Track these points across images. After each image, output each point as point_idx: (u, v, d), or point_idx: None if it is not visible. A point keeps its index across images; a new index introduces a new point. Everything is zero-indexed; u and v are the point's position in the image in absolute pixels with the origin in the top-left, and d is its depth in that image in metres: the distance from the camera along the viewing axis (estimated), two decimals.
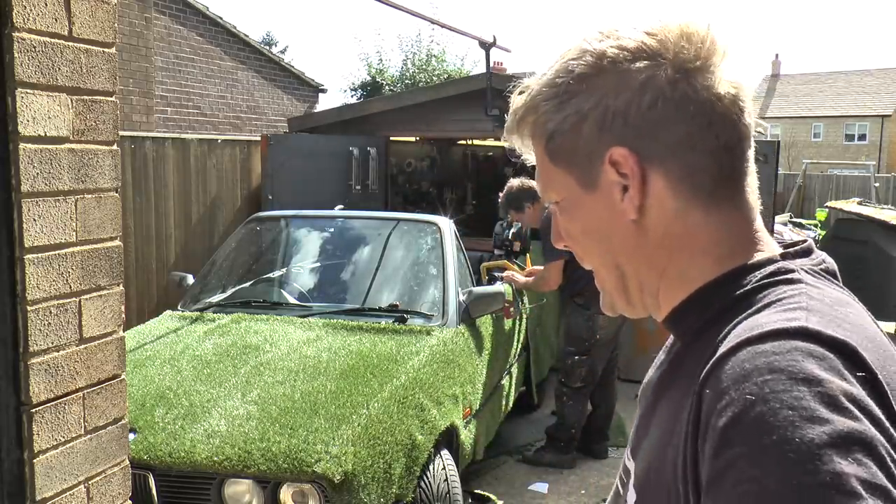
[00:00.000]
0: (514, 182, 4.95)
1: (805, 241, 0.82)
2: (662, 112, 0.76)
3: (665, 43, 0.77)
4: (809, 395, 0.59)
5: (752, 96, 0.80)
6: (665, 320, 0.84)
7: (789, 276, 0.75)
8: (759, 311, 0.72)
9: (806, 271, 0.76)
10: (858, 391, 0.61)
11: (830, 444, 0.57)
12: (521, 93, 0.85)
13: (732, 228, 0.79)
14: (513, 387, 5.04)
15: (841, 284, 0.79)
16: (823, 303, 0.70)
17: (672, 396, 0.77)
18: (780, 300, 0.72)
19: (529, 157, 0.87)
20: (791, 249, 0.80)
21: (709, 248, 0.79)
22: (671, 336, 0.88)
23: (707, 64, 0.77)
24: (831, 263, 0.80)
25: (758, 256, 0.78)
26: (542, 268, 4.86)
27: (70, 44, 1.69)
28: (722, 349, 0.68)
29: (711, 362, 0.68)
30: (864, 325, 0.71)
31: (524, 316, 5.16)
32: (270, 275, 4.78)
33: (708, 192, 0.78)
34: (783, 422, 0.59)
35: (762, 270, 0.76)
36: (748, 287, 0.75)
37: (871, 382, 0.63)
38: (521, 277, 4.90)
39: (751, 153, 0.80)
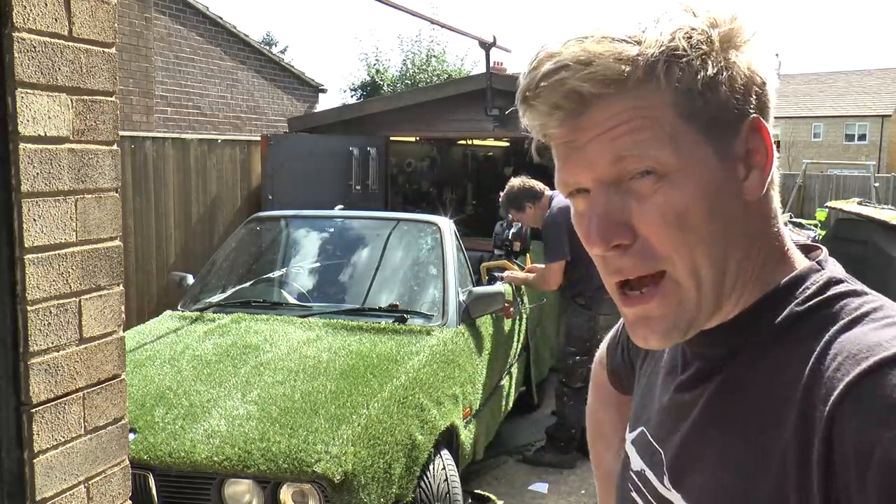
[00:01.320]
0: (515, 182, 4.95)
1: (820, 249, 0.80)
2: (772, 97, 0.75)
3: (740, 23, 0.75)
4: None
5: None
6: (713, 330, 0.76)
7: (849, 286, 0.73)
8: (848, 326, 0.68)
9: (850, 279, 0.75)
10: None
11: None
12: (610, 39, 0.69)
13: (781, 226, 0.77)
14: (513, 387, 5.04)
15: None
16: None
17: (735, 434, 0.71)
18: (866, 314, 0.68)
19: (554, 120, 0.72)
20: (822, 257, 0.78)
21: (777, 246, 0.76)
22: (681, 348, 0.81)
23: (763, 48, 0.76)
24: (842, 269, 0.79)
25: (798, 262, 0.76)
26: (541, 266, 4.86)
27: (70, 44, 1.69)
28: (848, 375, 0.63)
29: (841, 388, 0.62)
30: None
31: (524, 316, 5.16)
32: (270, 275, 4.78)
33: (774, 183, 0.76)
34: None
35: (813, 280, 0.74)
36: (817, 299, 0.72)
37: None
38: (521, 274, 4.90)
39: None
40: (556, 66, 0.69)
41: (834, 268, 0.76)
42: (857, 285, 0.73)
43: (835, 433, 0.61)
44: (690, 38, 0.69)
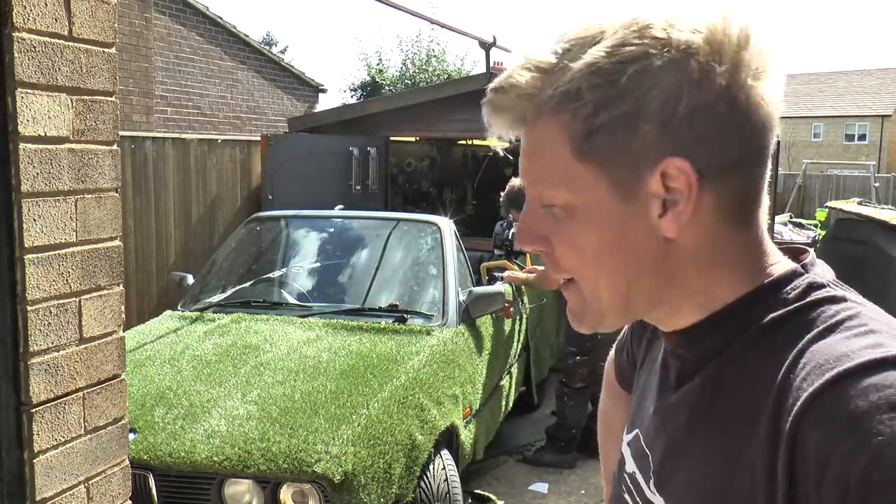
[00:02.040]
0: (516, 181, 4.95)
1: (806, 250, 0.79)
2: (730, 125, 0.69)
3: (743, 46, 0.69)
4: None
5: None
6: (678, 334, 0.78)
7: (829, 291, 0.72)
8: (821, 335, 0.68)
9: (834, 284, 0.74)
10: None
11: None
12: (529, 69, 0.71)
13: (756, 244, 0.75)
14: (513, 387, 5.04)
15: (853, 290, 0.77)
16: (881, 322, 0.68)
17: (719, 428, 0.72)
18: (840, 322, 0.68)
19: (501, 137, 0.76)
20: (807, 261, 0.76)
21: (737, 265, 0.75)
22: (664, 349, 0.83)
23: (764, 76, 0.70)
24: (832, 271, 0.78)
25: (779, 269, 0.75)
26: (542, 268, 4.86)
27: (70, 44, 1.69)
28: (813, 385, 0.63)
29: (804, 398, 0.63)
30: None
31: (524, 316, 5.16)
32: (270, 275, 4.78)
33: (747, 213, 0.74)
34: None
35: (794, 285, 0.73)
36: (793, 306, 0.71)
37: None
38: (521, 274, 4.91)
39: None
40: (493, 86, 0.73)
41: (820, 271, 0.75)
42: (838, 290, 0.72)
43: (798, 444, 0.62)
44: (590, 78, 0.68)
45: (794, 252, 0.80)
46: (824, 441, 0.60)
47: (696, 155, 0.69)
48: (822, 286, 0.73)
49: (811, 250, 0.80)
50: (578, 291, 0.77)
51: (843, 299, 0.71)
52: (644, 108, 0.68)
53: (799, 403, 0.63)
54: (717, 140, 0.69)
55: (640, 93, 0.68)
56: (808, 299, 0.72)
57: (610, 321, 0.78)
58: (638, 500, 0.83)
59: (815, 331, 0.68)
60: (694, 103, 0.68)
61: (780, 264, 0.76)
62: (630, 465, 0.87)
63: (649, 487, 0.80)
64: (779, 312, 0.72)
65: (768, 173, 0.76)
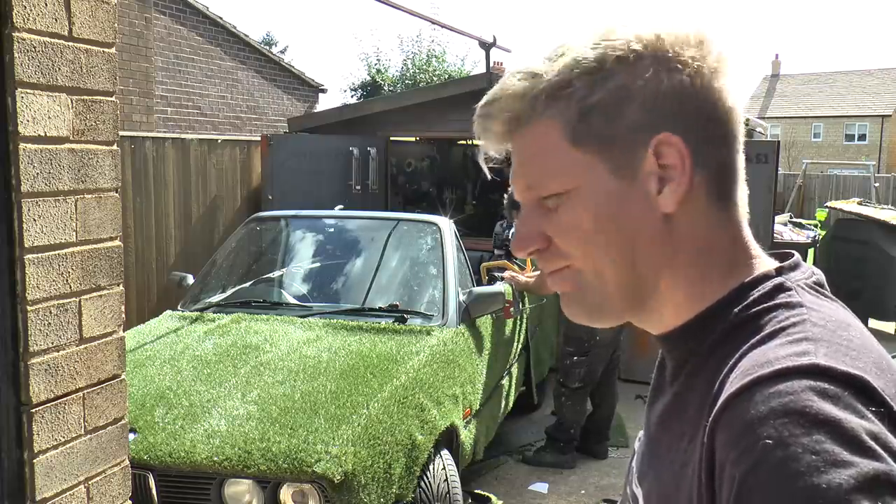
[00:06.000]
0: None
1: (792, 254, 0.80)
2: (711, 105, 0.75)
3: (703, 43, 0.75)
4: (830, 437, 0.58)
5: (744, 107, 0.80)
6: (667, 335, 0.80)
7: (789, 297, 0.73)
8: (762, 341, 0.70)
9: (802, 288, 0.75)
10: (878, 428, 0.60)
11: (857, 489, 0.56)
12: (519, 73, 0.78)
13: (736, 238, 0.78)
14: (513, 387, 5.04)
15: (832, 296, 0.77)
16: (826, 328, 0.69)
17: (679, 428, 0.75)
18: (783, 329, 0.70)
19: (494, 148, 0.82)
20: (785, 263, 0.78)
21: (721, 256, 0.77)
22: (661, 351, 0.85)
23: (726, 72, 0.76)
24: (820, 276, 0.79)
25: (755, 271, 0.77)
26: (538, 272, 4.87)
27: (70, 44, 1.69)
28: (731, 388, 0.66)
29: (721, 402, 0.66)
30: (868, 348, 0.69)
31: (524, 316, 5.16)
32: (270, 275, 4.78)
33: (728, 196, 0.77)
34: (807, 467, 0.57)
35: (761, 289, 0.75)
36: (751, 311, 0.73)
37: (889, 416, 0.61)
38: (522, 278, 4.91)
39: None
40: (484, 101, 0.80)
41: (794, 274, 0.76)
42: (797, 297, 0.73)
43: (715, 445, 0.65)
44: (577, 67, 0.74)
45: (780, 254, 0.81)
46: (726, 445, 0.63)
47: (685, 131, 0.74)
48: (786, 289, 0.74)
49: (797, 253, 0.81)
50: (573, 276, 0.79)
51: (797, 305, 0.72)
52: (629, 89, 0.73)
53: (716, 407, 0.66)
54: (695, 117, 0.74)
55: (624, 76, 0.73)
56: (768, 304, 0.73)
57: (610, 306, 0.79)
58: (629, 491, 0.88)
59: (760, 336, 0.70)
60: (671, 85, 0.73)
61: (758, 259, 0.78)
62: (633, 460, 0.92)
63: (635, 480, 0.85)
64: (737, 318, 0.74)
65: (741, 161, 0.79)
